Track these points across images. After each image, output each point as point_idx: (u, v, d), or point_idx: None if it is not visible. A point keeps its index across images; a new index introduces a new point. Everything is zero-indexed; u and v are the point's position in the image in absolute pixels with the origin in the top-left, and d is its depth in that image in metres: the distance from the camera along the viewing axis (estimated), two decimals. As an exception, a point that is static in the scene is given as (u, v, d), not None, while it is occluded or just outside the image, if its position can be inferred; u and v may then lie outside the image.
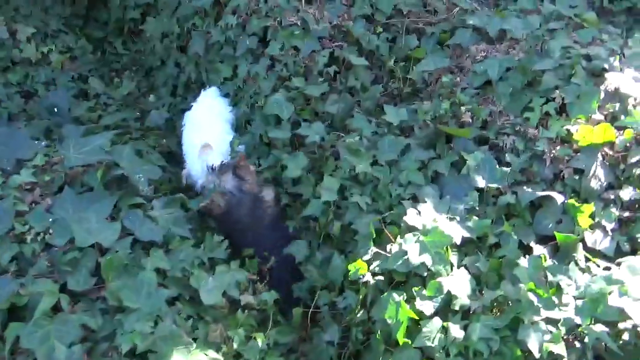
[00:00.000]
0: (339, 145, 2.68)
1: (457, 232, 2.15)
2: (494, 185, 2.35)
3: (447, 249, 2.08)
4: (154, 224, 2.22)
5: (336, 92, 2.98)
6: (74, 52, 4.15)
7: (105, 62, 4.30)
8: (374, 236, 2.25)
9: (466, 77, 2.89)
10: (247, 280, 2.32)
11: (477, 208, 2.31)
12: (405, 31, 3.27)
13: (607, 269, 2.05)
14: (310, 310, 2.42)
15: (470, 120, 2.61)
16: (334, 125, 2.95)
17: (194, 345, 1.96)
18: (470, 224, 2.23)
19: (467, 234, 2.18)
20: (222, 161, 2.72)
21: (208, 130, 2.84)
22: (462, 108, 2.64)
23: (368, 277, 2.17)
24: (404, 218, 2.21)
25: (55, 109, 3.13)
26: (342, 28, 3.14)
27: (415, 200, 2.39)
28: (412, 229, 2.18)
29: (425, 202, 2.32)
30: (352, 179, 2.57)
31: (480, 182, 2.37)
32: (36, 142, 2.36)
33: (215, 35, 3.18)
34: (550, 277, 1.96)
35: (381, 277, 2.15)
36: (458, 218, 2.24)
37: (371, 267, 2.17)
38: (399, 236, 2.18)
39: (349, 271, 2.17)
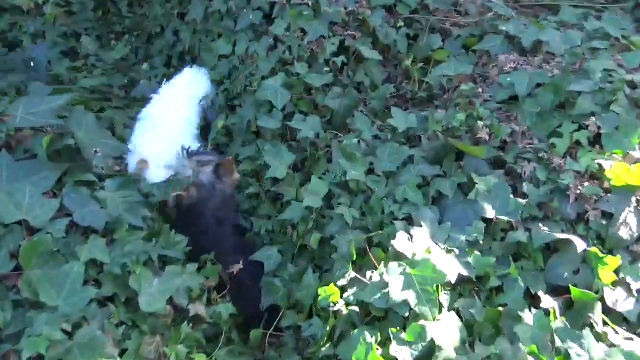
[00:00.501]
0: (334, 146, 2.33)
1: (452, 268, 1.80)
2: (505, 218, 1.99)
3: (437, 288, 1.72)
4: (100, 206, 1.88)
5: (340, 86, 2.63)
6: (73, 7, 3.84)
7: (105, 23, 3.98)
8: (355, 258, 1.91)
9: (489, 89, 2.53)
10: (201, 288, 1.98)
11: (482, 242, 1.95)
12: (429, 29, 2.93)
13: (629, 339, 1.69)
14: (270, 332, 2.08)
15: (487, 138, 2.25)
16: (333, 123, 2.60)
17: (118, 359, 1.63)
18: (470, 259, 1.87)
19: (464, 272, 1.82)
20: (201, 147, 2.39)
21: (164, 129, 2.48)
22: (480, 123, 2.28)
23: (340, 305, 1.82)
24: (392, 242, 1.85)
25: (33, 64, 2.81)
26: (358, 16, 2.79)
27: (410, 222, 2.04)
28: (399, 256, 1.83)
29: (421, 226, 1.97)
30: (343, 187, 2.23)
31: (489, 212, 2.01)
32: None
33: (216, 4, 2.84)
34: (558, 342, 1.60)
35: (355, 309, 1.80)
36: (457, 251, 1.88)
37: (345, 295, 1.82)
38: (383, 263, 1.82)
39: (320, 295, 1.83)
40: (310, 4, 2.70)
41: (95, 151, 2.02)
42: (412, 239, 1.90)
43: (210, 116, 2.84)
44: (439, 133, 2.31)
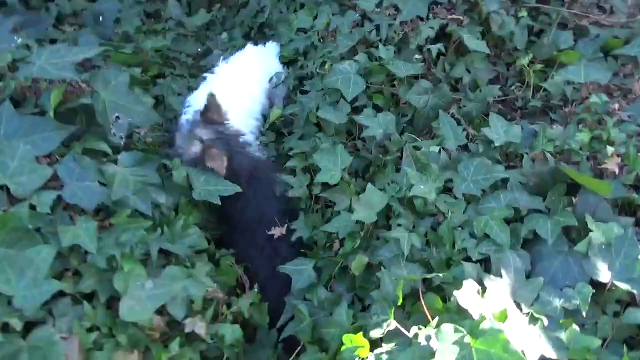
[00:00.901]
0: (405, 151, 1.84)
1: (534, 347, 1.25)
2: (625, 287, 1.39)
3: (506, 374, 1.19)
4: (102, 183, 1.55)
5: (431, 80, 2.11)
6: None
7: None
8: (401, 302, 1.41)
9: (629, 106, 1.90)
10: (205, 298, 1.60)
11: (584, 314, 1.37)
12: (559, 25, 2.32)
13: None
14: (285, 369, 1.66)
15: (617, 171, 1.65)
16: (414, 125, 2.11)
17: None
18: (563, 335, 1.31)
19: (551, 354, 1.27)
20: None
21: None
22: (610, 149, 1.68)
23: (369, 363, 1.35)
24: (456, 293, 1.34)
25: (101, 18, 2.59)
26: (468, -3, 2.25)
27: (488, 266, 1.51)
28: (460, 313, 1.31)
29: (501, 275, 1.43)
30: (407, 204, 1.73)
31: (604, 274, 1.42)
32: (15, 37, 1.78)
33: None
34: None
35: (387, 372, 1.32)
36: (545, 320, 1.33)
37: (377, 352, 1.34)
38: (437, 319, 1.32)
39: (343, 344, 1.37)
40: (410, -23, 2.21)
41: (117, 117, 1.69)
42: (484, 292, 1.37)
43: (277, 101, 2.46)
44: (549, 154, 1.74)
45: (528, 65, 2.21)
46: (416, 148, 1.86)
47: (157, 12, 3.37)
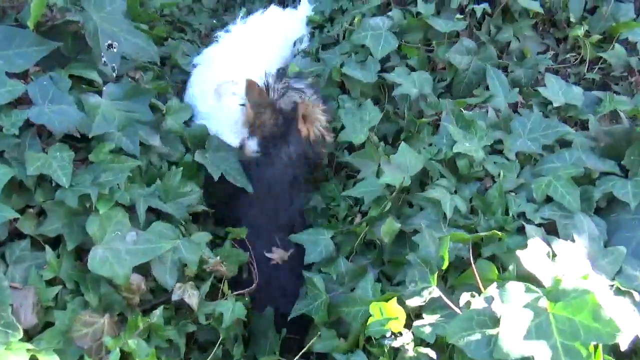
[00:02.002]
0: (446, 109, 1.55)
1: (628, 321, 0.93)
2: None
3: (596, 350, 0.87)
4: (78, 109, 1.28)
5: (474, 40, 1.84)
6: None
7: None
8: (446, 266, 1.10)
9: None
10: (204, 265, 1.30)
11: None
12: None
13: None
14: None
15: None
16: (453, 91, 1.82)
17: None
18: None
19: (648, 334, 0.95)
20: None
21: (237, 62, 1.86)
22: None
23: (405, 340, 1.04)
24: (520, 253, 1.03)
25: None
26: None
27: (553, 232, 1.20)
28: (527, 279, 1.00)
29: (574, 241, 1.12)
30: (447, 165, 1.43)
31: None
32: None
33: None
34: None
35: (430, 352, 1.00)
36: (637, 296, 1.01)
37: (417, 324, 1.03)
38: (495, 285, 1.00)
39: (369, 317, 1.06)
40: None
41: (110, 44, 1.43)
42: (553, 256, 1.06)
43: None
44: (622, 113, 1.44)
45: (583, 37, 1.93)
46: (454, 106, 1.58)
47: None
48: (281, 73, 1.69)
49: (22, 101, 1.27)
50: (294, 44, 2.13)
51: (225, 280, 1.38)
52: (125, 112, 1.36)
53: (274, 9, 2.20)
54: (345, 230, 1.49)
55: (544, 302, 0.89)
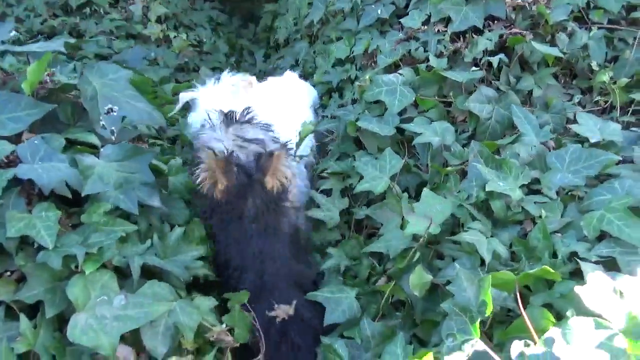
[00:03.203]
0: (473, 151, 1.42)
1: None
2: None
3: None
4: (71, 168, 1.18)
5: (493, 88, 1.75)
6: (205, 47, 3.63)
7: (237, 68, 3.68)
8: (490, 313, 0.91)
9: None
10: (201, 338, 1.12)
11: None
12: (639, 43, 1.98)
13: None
14: None
15: None
16: (477, 139, 1.70)
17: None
18: None
19: None
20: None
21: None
22: None
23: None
24: (579, 290, 0.84)
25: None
26: (530, 12, 1.95)
27: (613, 267, 1.01)
28: (592, 315, 0.81)
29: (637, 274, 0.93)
30: (479, 209, 1.27)
31: None
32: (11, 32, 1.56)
33: (339, 2, 2.23)
34: None
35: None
36: None
37: (458, 383, 0.82)
38: (552, 330, 0.81)
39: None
40: (460, -9, 1.95)
41: (110, 109, 1.36)
42: (621, 293, 0.86)
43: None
44: (671, 142, 1.29)
45: (609, 83, 1.83)
46: (480, 148, 1.44)
47: (189, 82, 3.26)
48: (229, 118, 1.46)
49: (12, 163, 1.19)
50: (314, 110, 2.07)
51: (229, 351, 1.19)
52: (124, 173, 1.26)
53: (290, 73, 2.17)
54: (370, 290, 1.30)
55: (621, 341, 0.69)
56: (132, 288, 1.09)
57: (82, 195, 1.17)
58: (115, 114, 1.38)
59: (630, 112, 1.77)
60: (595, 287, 0.84)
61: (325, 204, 1.55)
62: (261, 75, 3.44)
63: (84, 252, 1.04)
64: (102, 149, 1.30)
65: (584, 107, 1.91)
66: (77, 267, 1.03)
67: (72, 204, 1.21)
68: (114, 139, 1.36)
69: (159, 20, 3.44)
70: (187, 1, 3.79)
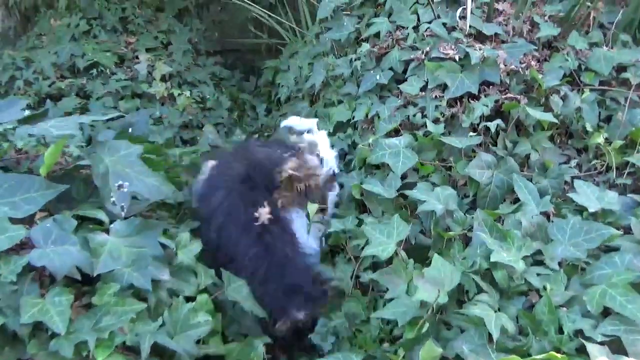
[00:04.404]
0: (477, 220, 1.46)
1: None
2: None
3: None
4: (84, 250, 1.21)
5: (491, 154, 1.80)
6: (208, 103, 3.71)
7: (239, 123, 3.77)
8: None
9: None
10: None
11: None
12: (631, 104, 2.05)
13: None
14: None
15: None
16: (478, 205, 1.74)
17: None
18: None
19: None
20: None
21: None
22: None
23: None
24: (585, 375, 0.86)
25: (131, 129, 2.48)
26: (523, 77, 2.03)
27: (619, 349, 1.03)
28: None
29: (646, 358, 0.95)
30: (485, 278, 1.30)
31: None
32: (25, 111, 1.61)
33: (340, 67, 2.31)
34: None
35: None
36: None
37: None
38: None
39: None
40: (457, 57, 2.03)
41: (120, 185, 1.41)
42: (629, 378, 0.88)
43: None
44: (667, 212, 1.33)
45: (604, 144, 1.89)
46: (484, 217, 1.48)
47: (194, 139, 3.32)
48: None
49: (26, 246, 1.22)
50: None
51: None
52: (134, 249, 1.29)
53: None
54: (378, 354, 1.31)
55: None
56: (146, 369, 1.11)
57: (94, 274, 1.20)
58: (125, 190, 1.42)
59: (626, 174, 1.83)
60: (602, 372, 0.87)
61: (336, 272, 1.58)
62: (264, 129, 3.53)
63: (95, 338, 1.06)
64: (111, 226, 1.33)
65: (581, 168, 1.97)
66: (88, 355, 1.05)
67: (84, 280, 1.23)
68: (123, 214, 1.40)
69: (163, 78, 3.53)
70: (190, 58, 3.88)
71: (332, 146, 2.09)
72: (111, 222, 1.36)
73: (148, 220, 1.38)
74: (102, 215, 1.35)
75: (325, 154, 2.10)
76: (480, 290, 1.25)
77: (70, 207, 1.37)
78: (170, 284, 1.32)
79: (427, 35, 2.15)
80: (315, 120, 2.07)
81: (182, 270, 1.38)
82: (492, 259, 1.24)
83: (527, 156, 1.86)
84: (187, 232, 1.47)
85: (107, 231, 1.32)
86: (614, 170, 1.85)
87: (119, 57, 3.43)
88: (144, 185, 1.47)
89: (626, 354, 1.00)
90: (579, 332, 1.11)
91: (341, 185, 1.90)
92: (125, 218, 1.39)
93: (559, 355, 0.96)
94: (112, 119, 2.74)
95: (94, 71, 3.18)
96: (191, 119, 3.42)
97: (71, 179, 1.40)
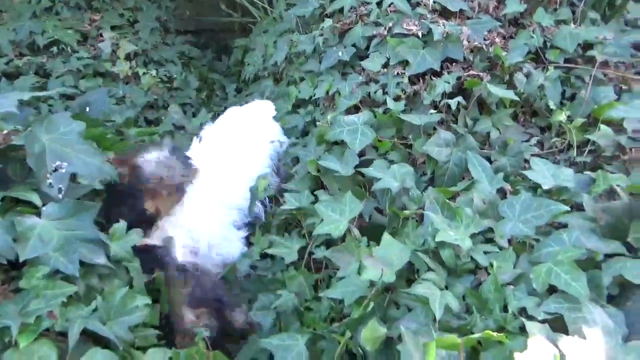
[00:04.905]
0: (429, 198, 1.43)
1: None
2: None
3: None
4: (9, 235, 1.15)
5: (451, 132, 1.77)
6: (176, 82, 3.62)
7: (207, 103, 3.69)
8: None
9: None
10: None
11: None
12: (595, 82, 2.03)
13: None
14: None
15: None
16: (435, 184, 1.71)
17: None
18: None
19: None
20: None
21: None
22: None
23: None
24: (517, 357, 0.84)
25: (88, 108, 2.40)
26: (487, 54, 2.00)
27: (561, 328, 1.01)
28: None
29: (584, 337, 0.93)
30: (434, 257, 1.27)
31: None
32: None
33: (303, 44, 2.25)
34: None
35: None
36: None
37: None
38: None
39: None
40: (419, 34, 1.98)
41: (57, 166, 1.34)
42: (564, 358, 0.86)
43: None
44: (620, 190, 1.31)
45: (566, 122, 1.87)
46: (436, 195, 1.45)
47: (158, 119, 3.24)
48: None
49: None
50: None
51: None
52: (66, 232, 1.23)
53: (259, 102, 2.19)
54: (326, 334, 1.29)
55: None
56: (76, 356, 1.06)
57: (20, 260, 1.15)
58: (64, 170, 1.36)
59: (586, 152, 1.81)
60: (535, 354, 0.84)
61: (284, 242, 1.55)
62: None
63: (18, 323, 1.01)
64: (44, 208, 1.27)
65: (542, 146, 1.94)
66: (10, 342, 1.00)
67: (15, 265, 1.18)
68: (60, 197, 1.34)
69: (128, 57, 3.43)
70: (158, 36, 3.78)
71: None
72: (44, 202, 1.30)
73: (83, 202, 1.32)
74: (35, 198, 1.28)
75: (268, 126, 2.09)
76: (429, 269, 1.22)
77: (5, 189, 1.30)
78: (106, 269, 1.26)
79: (391, 11, 2.10)
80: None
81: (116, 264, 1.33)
82: (437, 239, 1.21)
83: (488, 134, 1.83)
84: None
85: (40, 214, 1.26)
86: (575, 148, 1.83)
87: (82, 34, 3.32)
88: (85, 165, 1.40)
89: (567, 333, 0.98)
90: (523, 311, 1.09)
91: (297, 160, 1.87)
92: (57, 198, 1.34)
93: (494, 333, 0.93)
94: (66, 97, 2.68)
95: (55, 49, 3.07)
96: (156, 98, 3.33)
97: (5, 159, 1.33)
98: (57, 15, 3.41)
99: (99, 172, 1.43)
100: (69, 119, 1.47)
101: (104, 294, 1.19)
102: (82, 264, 1.19)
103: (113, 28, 3.52)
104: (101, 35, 3.42)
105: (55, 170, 1.34)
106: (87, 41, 3.35)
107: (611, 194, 1.41)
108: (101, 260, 1.25)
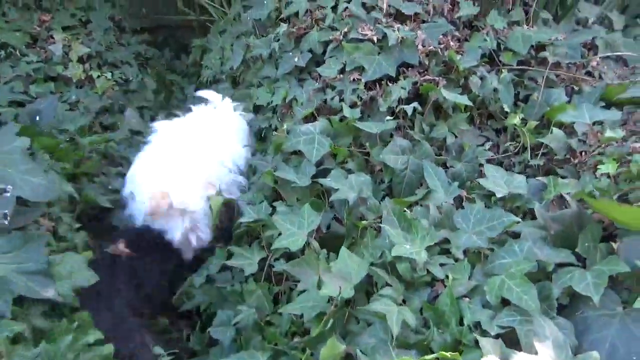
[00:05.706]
0: (386, 209, 1.43)
1: None
2: None
3: None
4: None
5: (409, 139, 1.78)
6: (130, 85, 3.52)
7: (166, 105, 3.61)
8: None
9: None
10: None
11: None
12: (548, 83, 2.08)
13: None
14: None
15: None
16: (393, 192, 1.72)
17: None
18: None
19: None
20: None
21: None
22: (645, 182, 1.30)
23: None
24: (472, 375, 0.85)
25: (38, 117, 2.32)
26: (442, 58, 2.01)
27: (514, 344, 1.03)
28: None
29: (535, 353, 0.95)
30: (392, 271, 1.28)
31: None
32: None
33: (259, 48, 2.22)
34: None
35: None
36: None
37: None
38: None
39: None
40: (375, 39, 1.98)
41: (2, 189, 1.29)
42: (514, 374, 0.88)
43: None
44: (568, 197, 1.34)
45: (519, 125, 1.90)
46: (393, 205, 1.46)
47: (115, 125, 3.15)
48: None
49: None
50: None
51: None
52: (11, 265, 1.18)
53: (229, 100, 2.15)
54: (287, 350, 1.28)
55: None
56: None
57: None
58: (8, 194, 1.31)
59: (540, 155, 1.85)
60: (488, 371, 0.86)
61: (244, 252, 1.54)
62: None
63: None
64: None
65: (498, 149, 1.98)
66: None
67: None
68: (7, 223, 1.28)
69: (80, 59, 3.32)
70: (112, 37, 3.66)
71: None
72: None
73: (30, 233, 1.26)
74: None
75: (230, 122, 2.07)
76: (387, 284, 1.22)
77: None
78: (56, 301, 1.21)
79: (346, 16, 2.09)
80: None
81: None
82: (393, 253, 1.22)
83: (445, 139, 1.85)
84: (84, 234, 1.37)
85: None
86: (529, 151, 1.86)
87: (31, 36, 3.19)
88: (31, 186, 1.35)
89: (520, 346, 1.00)
90: (478, 324, 1.10)
91: (254, 171, 1.85)
92: (14, 228, 1.28)
93: (448, 354, 0.95)
94: (16, 103, 2.57)
95: (2, 53, 2.95)
96: (112, 102, 3.24)
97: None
98: (4, 16, 3.26)
99: (45, 194, 1.38)
100: (12, 136, 1.42)
101: (48, 338, 1.14)
102: (26, 300, 1.14)
103: (64, 29, 3.39)
104: (52, 37, 3.30)
105: (0, 194, 1.29)
106: (37, 43, 3.22)
107: (562, 199, 1.45)
108: (50, 293, 1.20)
